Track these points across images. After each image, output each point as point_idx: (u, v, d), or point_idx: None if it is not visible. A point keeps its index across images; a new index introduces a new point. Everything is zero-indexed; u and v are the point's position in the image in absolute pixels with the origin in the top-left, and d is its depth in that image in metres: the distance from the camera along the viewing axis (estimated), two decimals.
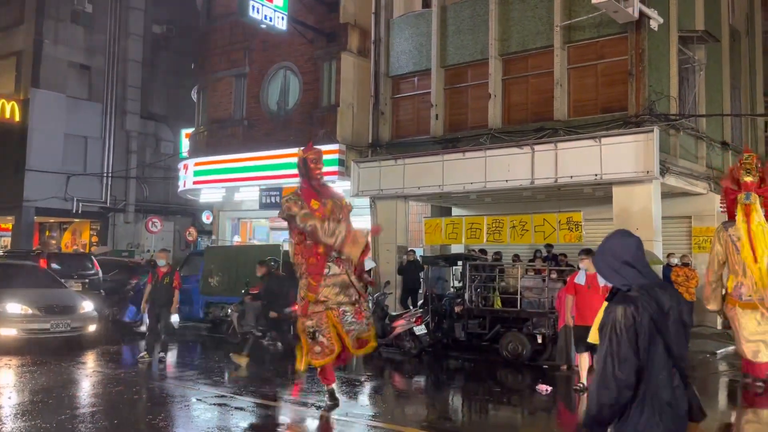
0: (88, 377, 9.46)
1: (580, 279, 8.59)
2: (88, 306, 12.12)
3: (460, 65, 15.61)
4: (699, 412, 2.76)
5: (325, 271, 7.33)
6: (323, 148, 17.13)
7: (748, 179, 8.54)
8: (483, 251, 14.27)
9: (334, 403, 7.49)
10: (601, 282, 9.11)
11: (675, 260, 13.19)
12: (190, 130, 22.85)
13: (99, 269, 16.03)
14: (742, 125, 17.32)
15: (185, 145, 24.53)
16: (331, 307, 7.28)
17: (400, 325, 11.72)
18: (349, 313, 7.33)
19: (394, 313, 12.66)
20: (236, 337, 12.28)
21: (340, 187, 17.49)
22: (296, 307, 12.18)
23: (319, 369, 7.48)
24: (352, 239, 7.40)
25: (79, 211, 25.87)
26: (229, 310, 12.82)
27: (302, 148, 7.78)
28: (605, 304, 2.93)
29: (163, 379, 9.32)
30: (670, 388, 2.66)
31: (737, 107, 17.00)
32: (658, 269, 12.54)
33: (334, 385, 7.65)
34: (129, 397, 8.12)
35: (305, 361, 7.35)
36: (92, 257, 17.33)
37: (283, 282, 10.80)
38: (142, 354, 10.40)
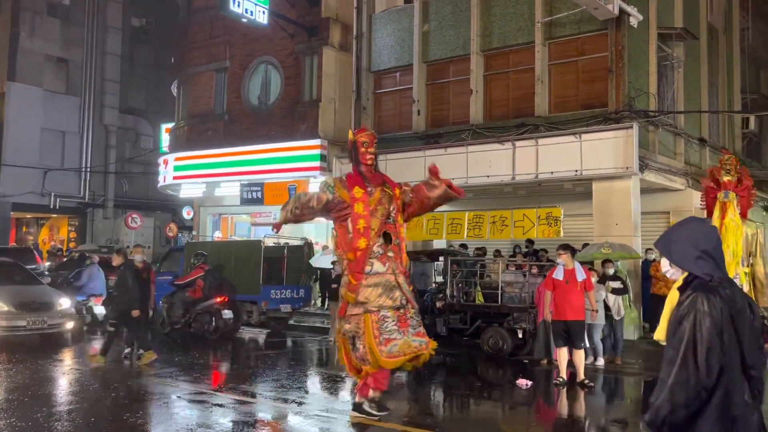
0: (65, 375, 9.34)
1: (558, 274, 8.65)
2: (65, 303, 11.94)
3: (442, 61, 15.63)
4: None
5: (367, 268, 6.44)
6: (304, 143, 17.40)
7: (727, 179, 8.96)
8: (464, 246, 14.32)
9: (381, 413, 6.60)
10: (579, 277, 9.22)
11: (654, 255, 13.32)
12: (170, 125, 22.64)
13: (41, 263, 15.97)
14: (720, 122, 17.55)
15: (165, 139, 24.30)
16: (371, 310, 6.35)
17: None
18: (390, 320, 6.33)
19: None
20: (165, 328, 12.94)
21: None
22: (219, 299, 12.29)
23: (361, 376, 6.61)
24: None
25: (57, 207, 25.53)
26: (160, 302, 13.06)
27: (354, 130, 7.08)
28: (675, 294, 2.55)
29: (142, 376, 9.22)
30: (742, 400, 2.34)
31: (715, 104, 17.22)
32: (637, 264, 12.70)
33: (378, 393, 6.61)
34: (106, 394, 8.03)
35: (354, 367, 6.59)
36: (34, 251, 17.39)
37: (139, 275, 10.23)
38: (140, 352, 10.24)
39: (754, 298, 9.28)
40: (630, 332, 11.84)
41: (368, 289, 6.37)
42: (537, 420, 7.75)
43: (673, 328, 2.42)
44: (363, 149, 6.77)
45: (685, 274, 2.54)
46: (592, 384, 8.60)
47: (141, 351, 10.13)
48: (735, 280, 8.88)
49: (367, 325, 6.33)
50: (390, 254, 6.49)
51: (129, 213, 23.27)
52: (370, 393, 6.60)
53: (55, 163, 25.38)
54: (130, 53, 28.00)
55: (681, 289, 2.49)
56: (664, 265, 2.66)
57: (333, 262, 13.43)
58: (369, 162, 6.76)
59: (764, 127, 20.87)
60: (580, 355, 8.64)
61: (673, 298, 2.62)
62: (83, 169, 26.25)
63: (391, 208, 6.61)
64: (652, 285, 12.00)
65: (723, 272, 2.47)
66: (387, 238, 6.57)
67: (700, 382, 2.28)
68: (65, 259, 18.57)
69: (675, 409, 2.31)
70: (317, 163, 16.88)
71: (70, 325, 11.79)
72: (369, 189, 6.60)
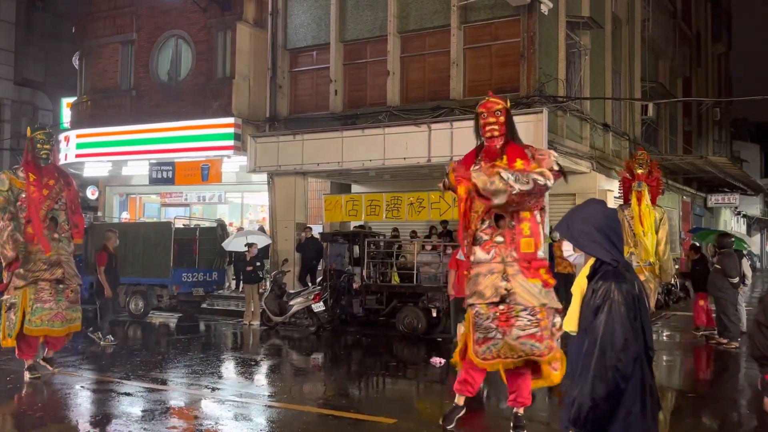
0: None
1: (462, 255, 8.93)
2: None
3: (359, 41, 15.52)
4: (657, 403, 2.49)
5: (471, 258, 5.60)
6: (216, 121, 16.89)
7: (640, 171, 10.16)
8: (362, 227, 14.36)
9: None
10: None
11: (557, 235, 13.91)
12: (72, 99, 21.35)
13: None
14: (622, 109, 18.48)
15: (67, 115, 22.87)
16: (469, 304, 5.56)
17: (297, 303, 11.66)
18: (483, 317, 5.39)
19: (292, 291, 12.56)
20: None
21: (236, 162, 17.04)
22: None
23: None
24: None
25: None
26: None
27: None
28: (582, 282, 2.46)
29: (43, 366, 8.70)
30: (651, 381, 2.36)
31: (617, 92, 18.10)
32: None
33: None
34: (2, 386, 7.53)
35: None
36: None
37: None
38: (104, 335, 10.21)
39: (659, 277, 10.08)
40: None
41: (469, 281, 5.59)
42: (450, 397, 7.94)
43: (588, 319, 2.36)
44: (482, 121, 5.76)
45: (592, 260, 2.46)
46: None
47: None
48: (635, 263, 9.56)
49: (467, 321, 5.59)
50: (498, 239, 5.48)
51: None
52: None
53: None
54: (26, 21, 26.06)
55: (589, 278, 2.43)
56: (566, 248, 2.58)
57: (247, 245, 13.19)
58: (490, 134, 5.67)
59: (661, 114, 22.17)
60: None
61: (581, 286, 2.48)
62: None
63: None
64: (556, 264, 12.54)
65: (622, 256, 2.45)
66: (499, 220, 5.56)
67: (618, 372, 2.25)
68: None
69: (597, 403, 2.27)
70: (231, 142, 16.44)
71: None
72: (476, 167, 5.62)
